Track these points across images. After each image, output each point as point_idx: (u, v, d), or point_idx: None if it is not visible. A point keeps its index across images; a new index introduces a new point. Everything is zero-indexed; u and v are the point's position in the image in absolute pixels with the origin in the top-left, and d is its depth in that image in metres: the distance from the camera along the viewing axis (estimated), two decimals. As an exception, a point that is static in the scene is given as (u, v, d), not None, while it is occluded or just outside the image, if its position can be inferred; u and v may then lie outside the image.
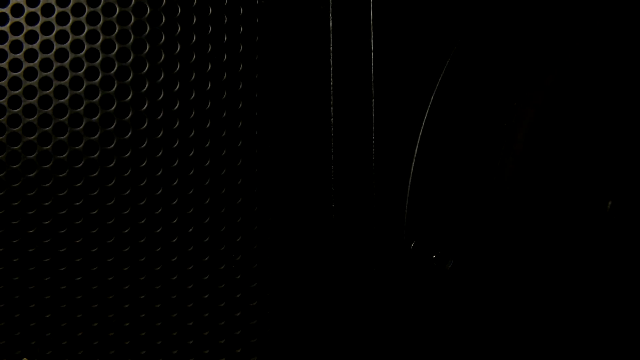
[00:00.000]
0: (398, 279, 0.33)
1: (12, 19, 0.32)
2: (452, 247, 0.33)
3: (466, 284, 0.33)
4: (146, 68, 0.33)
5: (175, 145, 0.34)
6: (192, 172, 0.34)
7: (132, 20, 0.33)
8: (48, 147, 0.33)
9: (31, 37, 0.33)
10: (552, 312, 0.33)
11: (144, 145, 0.33)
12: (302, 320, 0.35)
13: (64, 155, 0.33)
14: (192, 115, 0.34)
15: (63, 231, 0.33)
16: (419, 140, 0.33)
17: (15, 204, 0.33)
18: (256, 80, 0.34)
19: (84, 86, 0.33)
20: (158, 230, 0.34)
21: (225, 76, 0.34)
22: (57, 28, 0.33)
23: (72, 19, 0.33)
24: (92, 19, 0.33)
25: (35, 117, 0.33)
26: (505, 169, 0.33)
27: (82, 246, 0.33)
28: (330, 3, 0.34)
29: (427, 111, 0.33)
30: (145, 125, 0.33)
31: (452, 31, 0.33)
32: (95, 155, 0.33)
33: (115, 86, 0.33)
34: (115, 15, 0.33)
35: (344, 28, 0.34)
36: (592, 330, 0.33)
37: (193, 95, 0.34)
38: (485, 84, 0.33)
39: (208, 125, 0.34)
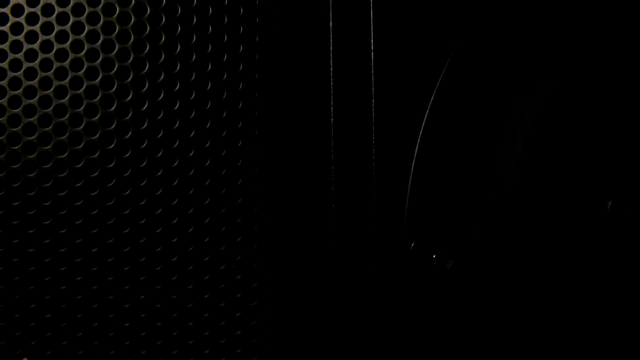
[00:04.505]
0: (398, 279, 0.33)
1: (12, 19, 0.32)
2: (452, 247, 0.33)
3: (466, 284, 0.33)
4: (146, 68, 0.33)
5: (175, 145, 0.34)
6: (192, 172, 0.34)
7: (132, 20, 0.33)
8: (48, 147, 0.33)
9: (31, 37, 0.33)
10: (552, 312, 0.33)
11: (144, 145, 0.33)
12: (302, 321, 0.35)
13: (64, 155, 0.33)
14: (192, 115, 0.34)
15: (63, 231, 0.33)
16: (419, 140, 0.33)
17: (15, 204, 0.33)
18: (256, 80, 0.34)
19: (84, 86, 0.33)
20: (158, 230, 0.34)
21: (225, 76, 0.34)
22: (57, 28, 0.33)
23: (72, 19, 0.33)
24: (92, 19, 0.33)
25: (35, 117, 0.33)
26: (505, 168, 0.33)
27: (82, 246, 0.33)
28: (330, 3, 0.34)
29: (427, 111, 0.33)
30: (145, 125, 0.33)
31: (452, 31, 0.33)
32: (95, 155, 0.33)
33: (115, 86, 0.33)
34: (115, 15, 0.33)
35: (344, 28, 0.34)
36: (592, 330, 0.33)
37: (193, 95, 0.34)
38: (485, 84, 0.33)
39: (208, 125, 0.34)
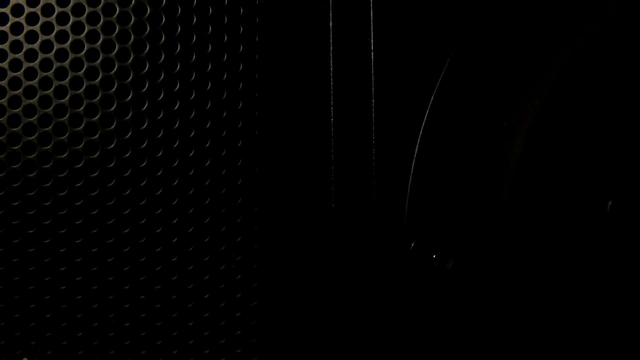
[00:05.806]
0: (398, 279, 0.33)
1: (12, 19, 0.32)
2: (452, 247, 0.33)
3: (466, 284, 0.33)
4: (146, 68, 0.33)
5: (175, 145, 0.34)
6: (192, 172, 0.34)
7: (132, 20, 0.33)
8: (48, 147, 0.33)
9: (31, 37, 0.33)
10: (552, 312, 0.33)
11: (144, 145, 0.33)
12: (302, 321, 0.35)
13: (64, 155, 0.33)
14: (192, 115, 0.34)
15: (63, 231, 0.33)
16: (419, 140, 0.33)
17: (15, 204, 0.33)
18: (256, 80, 0.34)
19: (84, 86, 0.33)
20: (158, 230, 0.34)
21: (225, 76, 0.34)
22: (57, 28, 0.33)
23: (72, 19, 0.33)
24: (92, 19, 0.33)
25: (35, 117, 0.33)
26: (505, 169, 0.33)
27: (82, 246, 0.33)
28: (330, 3, 0.34)
29: (427, 111, 0.33)
30: (145, 125, 0.33)
31: (452, 31, 0.33)
32: (95, 155, 0.33)
33: (115, 86, 0.33)
34: (115, 15, 0.33)
35: (344, 28, 0.34)
36: (592, 331, 0.33)
37: (193, 95, 0.34)
38: (485, 84, 0.33)
39: (208, 125, 0.34)
